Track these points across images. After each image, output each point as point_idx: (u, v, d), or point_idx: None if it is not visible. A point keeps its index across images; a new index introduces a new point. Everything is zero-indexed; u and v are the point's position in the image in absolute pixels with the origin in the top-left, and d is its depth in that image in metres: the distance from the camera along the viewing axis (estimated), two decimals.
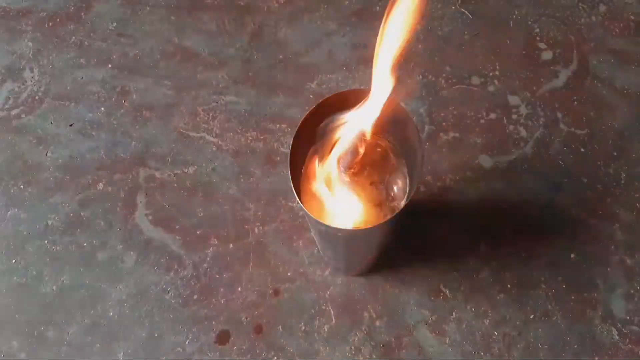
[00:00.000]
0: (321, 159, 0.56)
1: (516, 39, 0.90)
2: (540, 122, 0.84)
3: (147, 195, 0.82)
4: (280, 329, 0.73)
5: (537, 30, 0.91)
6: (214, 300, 0.75)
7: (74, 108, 0.89)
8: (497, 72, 0.88)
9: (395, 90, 0.45)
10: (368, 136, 0.51)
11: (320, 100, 0.52)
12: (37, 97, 0.90)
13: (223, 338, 0.73)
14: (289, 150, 0.52)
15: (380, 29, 0.44)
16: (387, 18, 0.43)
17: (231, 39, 0.93)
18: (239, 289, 0.76)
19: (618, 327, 0.72)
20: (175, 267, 0.77)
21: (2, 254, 0.80)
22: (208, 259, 0.78)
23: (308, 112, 0.52)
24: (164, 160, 0.84)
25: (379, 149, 0.60)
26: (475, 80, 0.87)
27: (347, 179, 0.56)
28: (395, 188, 0.59)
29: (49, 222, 0.81)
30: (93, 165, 0.84)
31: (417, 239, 0.77)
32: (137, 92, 0.90)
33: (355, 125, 0.51)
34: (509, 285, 0.74)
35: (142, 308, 0.75)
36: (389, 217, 0.54)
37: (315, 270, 0.76)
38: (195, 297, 0.76)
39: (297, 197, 0.50)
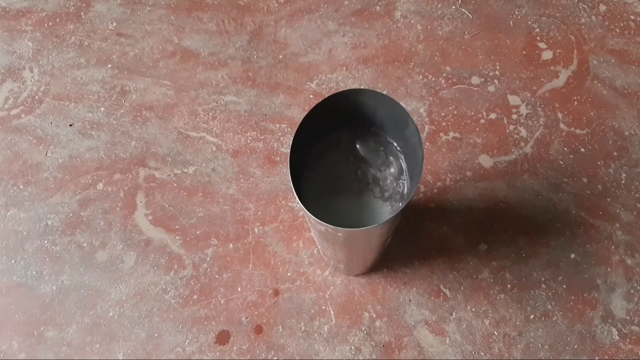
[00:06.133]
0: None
1: (516, 39, 0.90)
2: (540, 122, 0.84)
3: (147, 195, 0.82)
4: (280, 329, 0.73)
5: (537, 30, 0.91)
6: (214, 300, 0.75)
7: (73, 108, 0.89)
8: (497, 72, 0.88)
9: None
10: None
11: (320, 100, 0.52)
12: (36, 97, 0.90)
13: (223, 338, 0.73)
14: (288, 150, 0.52)
15: None
16: None
17: (231, 39, 0.93)
18: (239, 289, 0.76)
19: (618, 327, 0.72)
20: (175, 267, 0.77)
21: (2, 254, 0.80)
22: (208, 259, 0.78)
23: (308, 112, 0.52)
24: (164, 160, 0.84)
25: (379, 150, 0.60)
26: (475, 80, 0.87)
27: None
28: (395, 188, 0.59)
29: (49, 222, 0.81)
30: (93, 165, 0.84)
31: (417, 240, 0.77)
32: (137, 92, 0.90)
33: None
34: (509, 285, 0.74)
35: (142, 308, 0.75)
36: (389, 217, 0.54)
37: (315, 270, 0.76)
38: (195, 297, 0.75)
39: (297, 197, 0.50)
